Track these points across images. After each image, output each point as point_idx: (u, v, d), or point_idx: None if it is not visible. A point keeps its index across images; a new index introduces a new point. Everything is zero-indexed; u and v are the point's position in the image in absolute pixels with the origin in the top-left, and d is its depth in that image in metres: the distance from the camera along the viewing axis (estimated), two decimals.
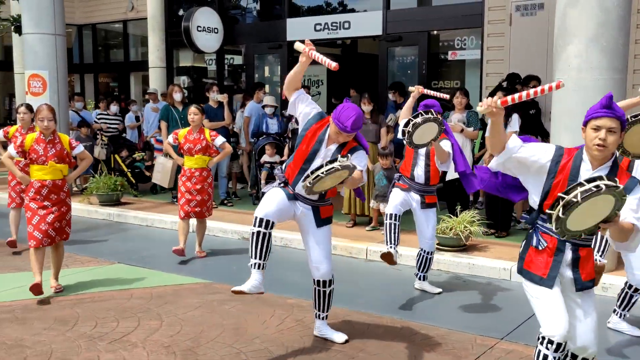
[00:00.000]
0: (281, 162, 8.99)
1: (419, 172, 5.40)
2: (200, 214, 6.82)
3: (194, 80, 14.20)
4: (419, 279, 5.74)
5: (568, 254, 3.04)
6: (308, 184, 3.74)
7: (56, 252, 5.67)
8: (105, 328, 4.73)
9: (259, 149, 9.31)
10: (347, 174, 3.79)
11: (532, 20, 8.96)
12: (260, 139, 9.45)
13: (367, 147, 4.28)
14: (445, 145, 5.24)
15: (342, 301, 5.18)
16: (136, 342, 4.46)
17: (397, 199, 5.45)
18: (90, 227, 8.52)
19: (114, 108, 11.84)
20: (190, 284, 5.94)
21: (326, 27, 11.10)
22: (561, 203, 2.54)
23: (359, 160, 4.09)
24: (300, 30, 11.45)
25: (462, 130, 7.58)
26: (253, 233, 4.06)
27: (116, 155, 10.79)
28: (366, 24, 10.73)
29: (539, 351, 3.04)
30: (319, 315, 4.52)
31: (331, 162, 3.70)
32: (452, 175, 7.13)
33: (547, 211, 2.65)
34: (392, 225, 5.35)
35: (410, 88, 5.71)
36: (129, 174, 10.63)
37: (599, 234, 4.50)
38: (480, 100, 9.31)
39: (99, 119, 11.68)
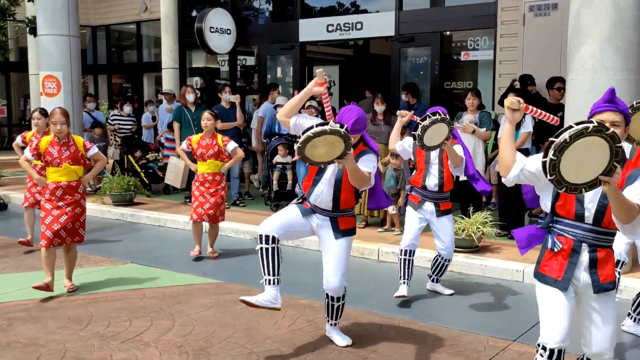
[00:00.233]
0: (293, 163, 9.00)
1: (433, 181, 5.30)
2: (214, 218, 6.84)
3: (206, 81, 14.26)
4: (432, 280, 5.72)
5: (584, 256, 2.97)
6: (299, 145, 3.55)
7: (68, 255, 5.71)
8: (118, 327, 4.76)
9: (271, 149, 9.33)
10: (341, 144, 3.58)
11: (546, 21, 8.90)
12: (272, 139, 9.47)
13: (377, 149, 4.24)
14: (458, 149, 5.21)
15: (354, 302, 5.18)
16: (149, 341, 4.49)
17: (412, 229, 5.33)
18: (104, 227, 8.58)
19: (127, 109, 11.90)
20: (202, 284, 5.96)
21: (338, 27, 11.10)
22: (552, 146, 2.50)
23: (367, 163, 4.03)
24: (312, 31, 11.47)
25: (473, 132, 7.55)
26: (258, 250, 4.13)
27: (129, 156, 10.84)
28: (379, 24, 10.72)
29: (535, 358, 3.02)
30: (329, 321, 4.53)
31: (322, 124, 3.54)
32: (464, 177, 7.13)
33: (542, 160, 2.59)
34: (407, 262, 5.33)
35: (398, 112, 5.63)
36: (143, 175, 10.68)
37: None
38: (493, 101, 9.32)
39: (112, 120, 11.76)
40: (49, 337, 4.55)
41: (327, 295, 4.35)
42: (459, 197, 7.81)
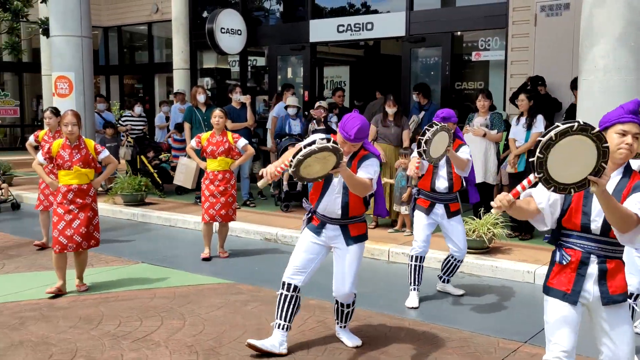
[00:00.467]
0: None
1: (443, 184, 5.27)
2: (227, 217, 6.86)
3: (217, 82, 14.30)
4: (443, 281, 5.70)
5: (593, 267, 2.91)
6: (292, 169, 3.54)
7: (78, 258, 5.73)
8: (129, 327, 4.78)
9: (281, 149, 9.34)
10: (332, 157, 3.55)
11: (558, 21, 8.85)
12: (282, 140, 9.48)
13: (378, 154, 4.20)
14: (464, 152, 5.19)
15: (364, 303, 5.18)
16: (159, 341, 4.50)
17: (422, 234, 5.31)
18: (115, 227, 8.62)
19: (137, 109, 11.96)
20: (212, 284, 5.98)
21: (349, 28, 11.10)
22: (539, 145, 2.49)
23: (369, 168, 3.99)
24: (323, 32, 11.48)
25: (484, 135, 7.51)
26: (278, 295, 4.20)
27: (142, 156, 10.88)
28: (389, 25, 10.70)
29: None
30: (338, 323, 4.53)
31: (310, 144, 3.53)
32: (480, 178, 7.10)
33: (530, 159, 2.54)
34: (417, 268, 5.33)
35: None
36: (156, 175, 10.71)
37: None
38: (504, 102, 9.27)
39: (124, 121, 11.82)
40: (60, 337, 4.58)
41: (336, 300, 4.36)
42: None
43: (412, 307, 5.27)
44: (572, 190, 2.59)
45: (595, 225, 2.86)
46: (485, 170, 7.57)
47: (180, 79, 13.70)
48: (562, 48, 8.68)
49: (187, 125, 9.47)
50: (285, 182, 9.04)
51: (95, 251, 6.83)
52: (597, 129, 2.49)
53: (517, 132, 7.24)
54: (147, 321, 4.92)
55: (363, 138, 3.98)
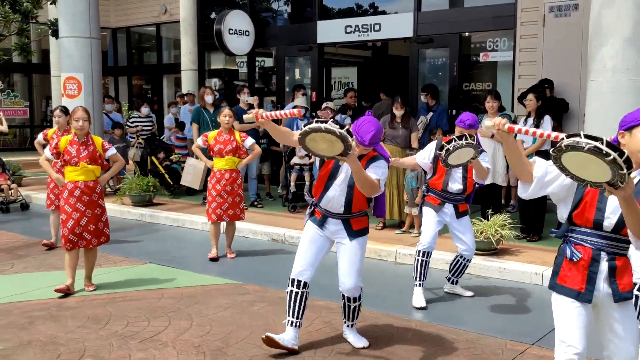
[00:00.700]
0: (311, 164, 9.01)
1: (457, 187, 5.28)
2: (234, 216, 6.87)
3: (225, 83, 14.34)
4: (451, 282, 5.69)
5: (604, 265, 2.87)
6: (298, 136, 3.58)
7: (88, 255, 5.76)
8: (137, 327, 4.80)
9: (288, 151, 9.35)
10: (339, 143, 3.50)
11: (566, 22, 8.81)
12: None
13: (387, 156, 4.21)
14: (483, 160, 5.14)
15: (371, 304, 5.18)
16: (166, 341, 4.52)
17: (432, 231, 5.31)
18: (123, 227, 8.66)
19: (144, 110, 12.00)
20: (220, 285, 5.99)
21: (357, 29, 11.10)
22: (559, 143, 2.43)
23: (377, 169, 3.99)
24: (330, 33, 11.48)
25: (492, 136, 7.49)
26: (287, 292, 4.25)
27: (153, 157, 10.90)
28: (397, 26, 10.69)
29: None
30: (346, 322, 4.53)
31: (322, 122, 3.53)
32: (489, 180, 7.08)
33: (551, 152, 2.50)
34: (424, 263, 5.34)
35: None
36: (167, 176, 10.72)
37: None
38: (513, 102, 9.25)
39: (132, 122, 11.86)
40: (69, 336, 4.60)
41: (343, 296, 4.36)
42: (478, 199, 7.75)
43: (420, 308, 5.27)
44: (589, 185, 2.53)
45: (609, 222, 2.82)
46: (494, 171, 7.55)
47: (188, 80, 13.75)
48: (570, 49, 8.64)
49: (195, 126, 9.49)
50: (292, 183, 9.05)
51: (103, 251, 6.86)
52: (613, 154, 2.33)
53: None
54: (155, 321, 4.93)
55: (377, 143, 4.01)
